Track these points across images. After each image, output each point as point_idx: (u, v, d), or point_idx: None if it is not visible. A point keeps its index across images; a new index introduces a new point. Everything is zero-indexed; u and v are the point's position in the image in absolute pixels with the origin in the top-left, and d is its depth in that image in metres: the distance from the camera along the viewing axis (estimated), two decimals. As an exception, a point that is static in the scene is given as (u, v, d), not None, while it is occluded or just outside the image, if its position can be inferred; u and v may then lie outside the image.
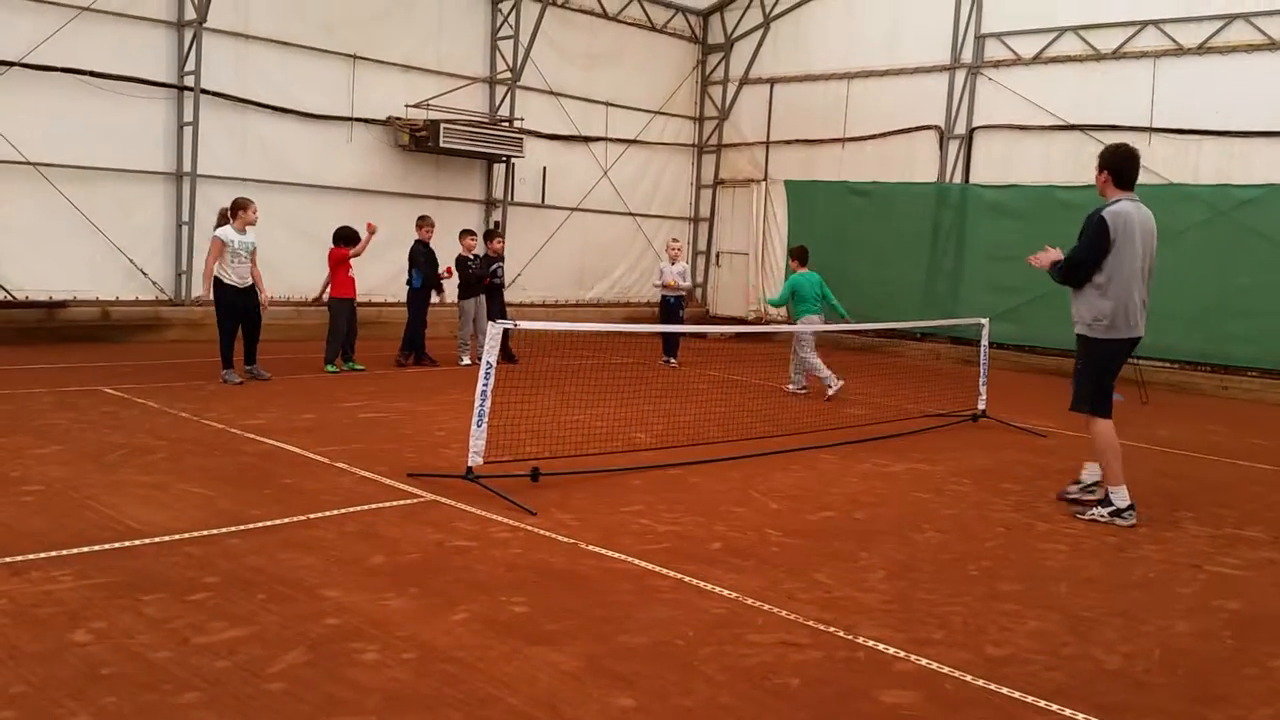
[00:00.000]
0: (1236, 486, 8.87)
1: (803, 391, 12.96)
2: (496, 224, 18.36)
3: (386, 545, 5.85)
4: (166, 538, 5.75)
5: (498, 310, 14.06)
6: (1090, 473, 7.72)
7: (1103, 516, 7.18)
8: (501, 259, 14.69)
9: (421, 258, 13.55)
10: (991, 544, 6.59)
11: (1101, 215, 7.09)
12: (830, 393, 12.46)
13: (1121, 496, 7.17)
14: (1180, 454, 10.29)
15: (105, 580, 5.03)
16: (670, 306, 15.58)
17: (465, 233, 14.21)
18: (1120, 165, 7.27)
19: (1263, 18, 15.15)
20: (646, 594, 5.28)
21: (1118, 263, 7.05)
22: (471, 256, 14.05)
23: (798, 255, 13.18)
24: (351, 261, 12.66)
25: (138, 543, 5.64)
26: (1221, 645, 5.04)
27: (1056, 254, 7.47)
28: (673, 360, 15.05)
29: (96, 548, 5.51)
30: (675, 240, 16.49)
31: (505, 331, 13.75)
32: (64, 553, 5.39)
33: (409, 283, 13.57)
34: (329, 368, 12.55)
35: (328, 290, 12.68)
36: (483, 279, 14.05)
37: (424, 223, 13.75)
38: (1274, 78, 15.14)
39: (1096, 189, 7.47)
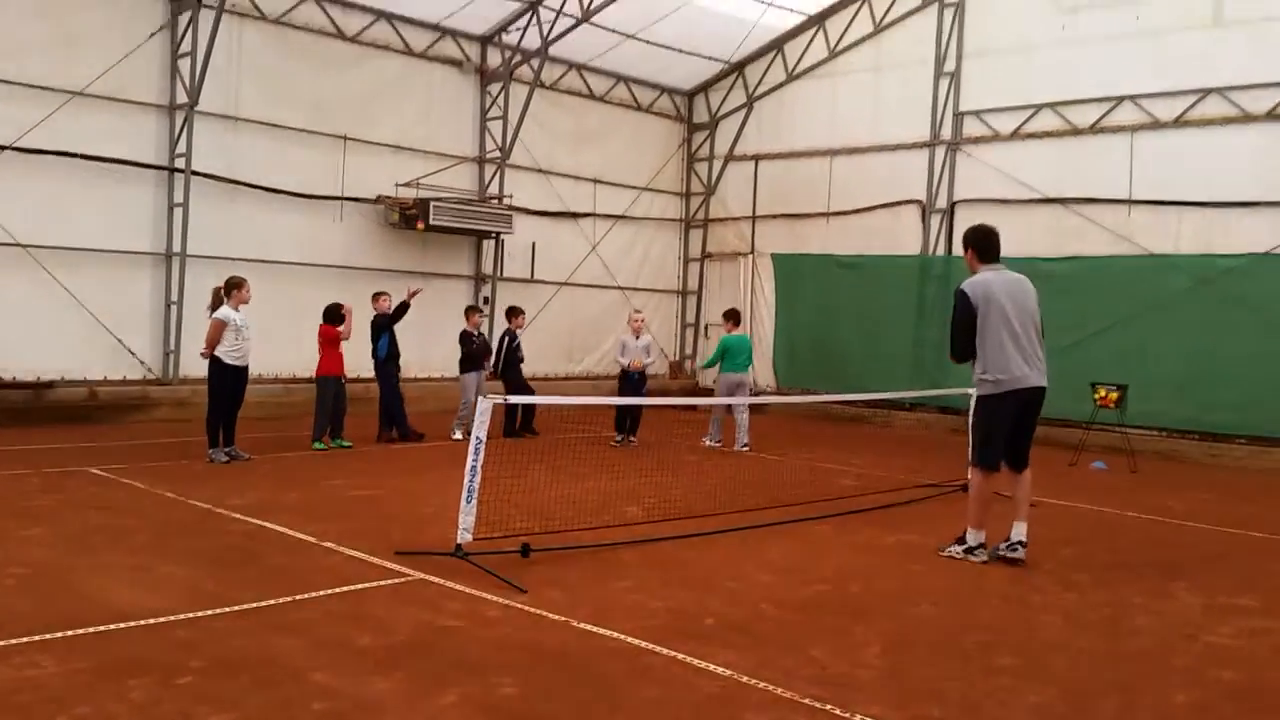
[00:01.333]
0: (1228, 555, 8.84)
1: (718, 445, 14.18)
2: (486, 299, 18.52)
3: (374, 626, 5.77)
4: (152, 620, 5.66)
5: (516, 384, 14.34)
6: (1017, 532, 7.96)
7: (957, 552, 7.95)
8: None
9: (382, 329, 13.62)
10: (986, 616, 6.53)
11: (960, 288, 7.88)
12: (707, 444, 14.20)
13: (975, 537, 7.92)
14: (1171, 522, 10.26)
15: (89, 664, 4.94)
16: (633, 383, 14.37)
17: (471, 309, 14.65)
18: (980, 242, 8.02)
19: (1235, 91, 15.47)
20: (639, 673, 5.21)
21: (986, 325, 7.72)
22: (476, 332, 14.24)
23: (732, 317, 14.58)
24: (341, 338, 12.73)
25: (122, 626, 5.56)
26: (1219, 717, 4.99)
27: None
28: (632, 438, 14.11)
29: (80, 631, 5.42)
30: (638, 311, 15.66)
31: (530, 406, 14.17)
32: (47, 636, 5.30)
33: (374, 354, 13.57)
34: (317, 445, 12.50)
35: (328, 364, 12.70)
36: (485, 354, 14.24)
37: (380, 296, 13.76)
38: (1249, 150, 15.40)
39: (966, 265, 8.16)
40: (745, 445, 13.93)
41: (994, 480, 7.99)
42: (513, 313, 15.00)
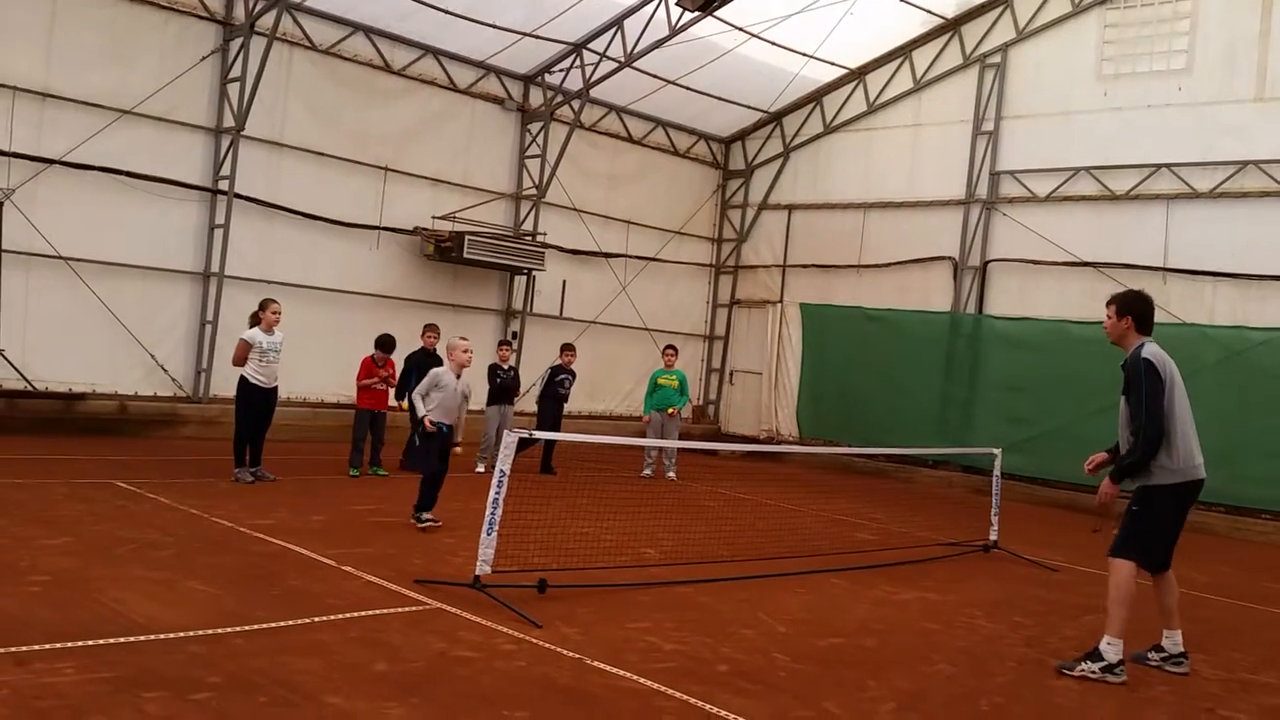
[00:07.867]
0: (1249, 630, 8.74)
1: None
2: (515, 334, 18.65)
3: (390, 652, 5.80)
4: (171, 635, 5.72)
5: (546, 417, 14.72)
6: (1176, 641, 7.15)
7: (1092, 671, 6.58)
8: (572, 373, 15.17)
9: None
10: (1003, 679, 6.49)
11: (1144, 358, 7.09)
12: (645, 473, 15.21)
13: (1116, 650, 6.64)
14: (1193, 594, 10.13)
15: (108, 674, 4.99)
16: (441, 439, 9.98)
17: (501, 343, 15.11)
18: (1144, 310, 7.43)
19: (1274, 165, 15.45)
20: (651, 714, 5.21)
21: (1172, 406, 7.24)
22: (504, 366, 14.45)
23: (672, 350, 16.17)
24: (379, 372, 12.87)
25: (142, 638, 5.62)
26: (1237, 794, 4.93)
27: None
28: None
29: (100, 641, 5.48)
30: (464, 339, 10.43)
31: (551, 443, 14.33)
32: (68, 645, 5.36)
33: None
34: (352, 471, 12.59)
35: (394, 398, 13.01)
36: (513, 389, 14.45)
37: (427, 330, 14.05)
38: (1286, 224, 15.36)
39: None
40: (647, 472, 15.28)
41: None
42: (563, 349, 15.28)
